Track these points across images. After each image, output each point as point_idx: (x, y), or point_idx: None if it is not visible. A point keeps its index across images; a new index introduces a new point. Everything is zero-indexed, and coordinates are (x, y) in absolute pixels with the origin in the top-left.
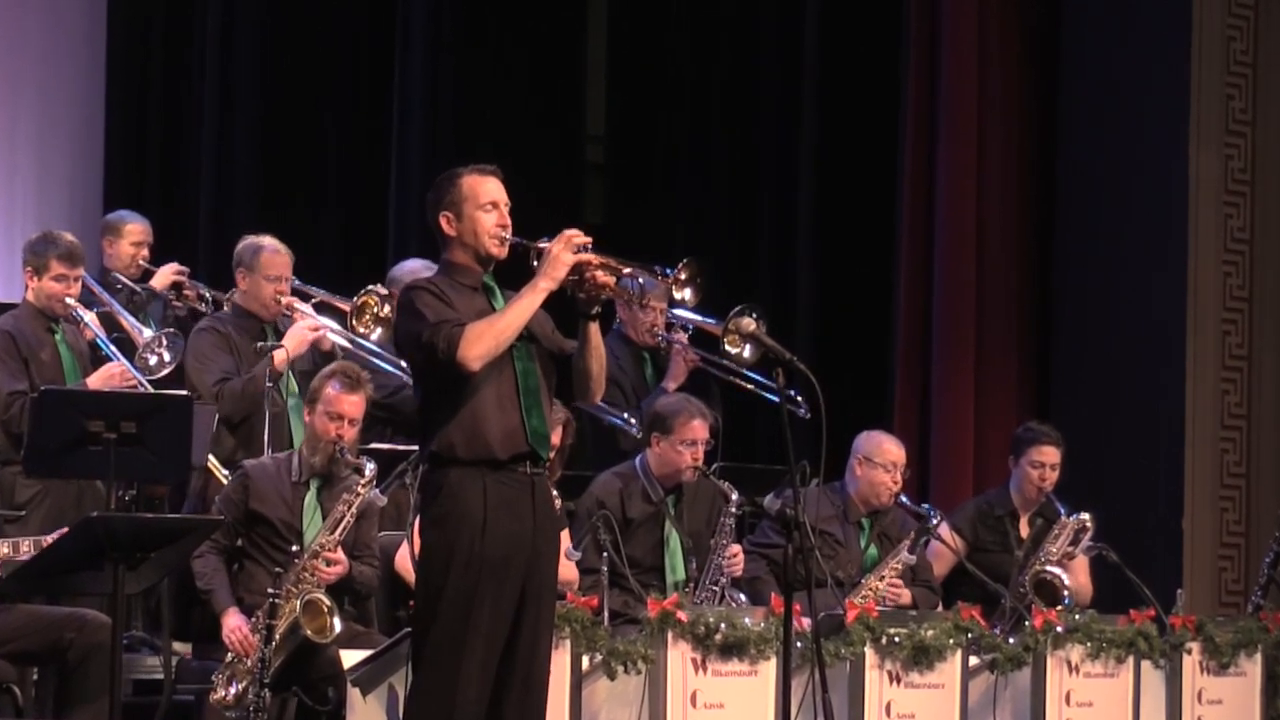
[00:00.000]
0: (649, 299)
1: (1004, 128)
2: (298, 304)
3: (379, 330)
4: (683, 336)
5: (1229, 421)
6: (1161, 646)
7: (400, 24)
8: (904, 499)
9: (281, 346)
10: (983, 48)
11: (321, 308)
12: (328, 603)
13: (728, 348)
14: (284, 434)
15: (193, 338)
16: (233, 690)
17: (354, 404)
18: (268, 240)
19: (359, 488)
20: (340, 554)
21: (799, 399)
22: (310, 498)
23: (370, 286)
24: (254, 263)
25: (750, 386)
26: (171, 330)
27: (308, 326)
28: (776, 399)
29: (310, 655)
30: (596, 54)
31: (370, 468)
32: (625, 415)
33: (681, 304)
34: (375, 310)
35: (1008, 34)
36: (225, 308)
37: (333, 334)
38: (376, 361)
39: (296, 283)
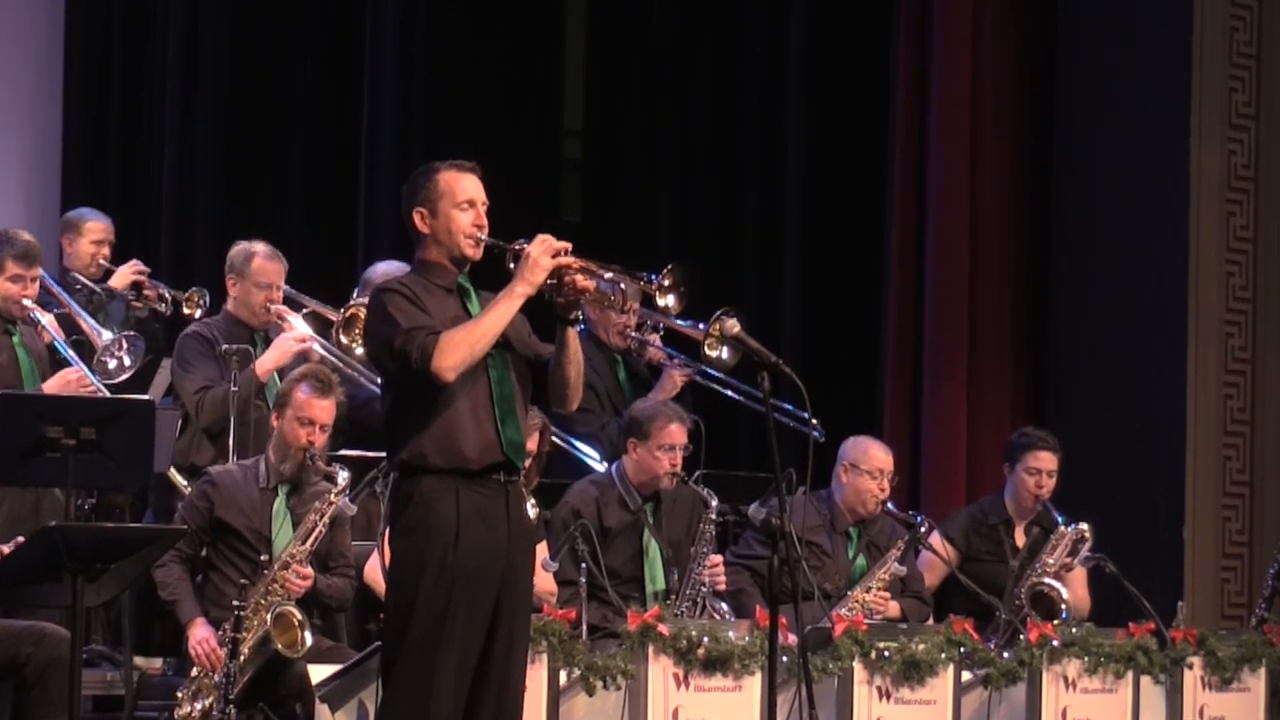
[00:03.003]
0: (629, 302)
1: (998, 123)
2: (287, 313)
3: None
4: (656, 338)
5: (1232, 427)
6: (1162, 661)
7: (371, 13)
8: (891, 507)
9: (246, 348)
10: (976, 41)
11: (313, 318)
12: (299, 616)
13: (707, 351)
14: (266, 442)
15: (179, 342)
16: (198, 706)
17: (325, 409)
18: (260, 246)
19: (331, 496)
20: (308, 568)
21: (815, 421)
22: (279, 504)
23: (360, 298)
24: (245, 269)
25: (743, 398)
26: (132, 333)
27: (294, 338)
28: (774, 410)
29: (277, 670)
30: (575, 45)
31: (343, 476)
32: (588, 447)
33: (665, 311)
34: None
35: (1002, 27)
36: (186, 309)
37: (319, 347)
38: (361, 379)
39: (290, 291)
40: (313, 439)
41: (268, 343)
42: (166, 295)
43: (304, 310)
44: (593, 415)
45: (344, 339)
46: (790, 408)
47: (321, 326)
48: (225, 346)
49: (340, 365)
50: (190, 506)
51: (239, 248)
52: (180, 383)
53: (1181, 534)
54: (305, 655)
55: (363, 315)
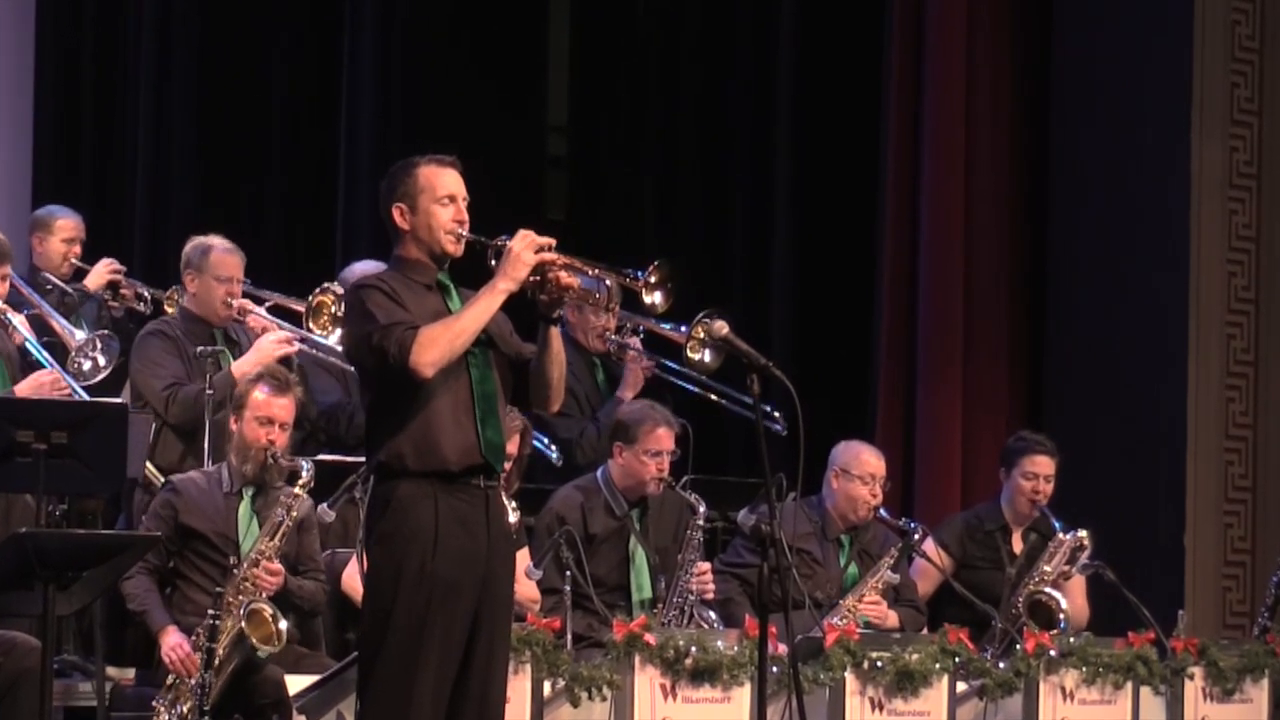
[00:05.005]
0: (613, 301)
1: (994, 121)
2: (251, 307)
3: (338, 331)
4: (636, 341)
5: (1234, 431)
6: (1162, 671)
7: (349, 8)
8: (884, 513)
9: (222, 350)
10: (971, 36)
11: (276, 311)
12: (271, 610)
13: (689, 354)
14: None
15: (139, 342)
16: (176, 713)
17: (284, 407)
18: (217, 240)
19: (296, 489)
20: (277, 564)
21: (775, 413)
22: (245, 507)
23: (326, 285)
24: (203, 264)
25: (713, 396)
26: (106, 333)
27: (275, 340)
28: (742, 409)
29: (254, 680)
30: (559, 39)
31: (307, 468)
32: (546, 439)
33: (651, 309)
34: (332, 310)
35: (997, 22)
36: (167, 307)
37: (300, 343)
38: (337, 363)
39: (248, 285)
40: (273, 438)
41: (228, 339)
42: (145, 295)
43: (266, 304)
44: (572, 420)
45: (312, 326)
46: (719, 386)
47: (285, 319)
48: (201, 349)
49: (323, 358)
50: (154, 515)
51: (195, 243)
52: (145, 381)
53: (1182, 541)
54: (282, 653)
55: (329, 303)
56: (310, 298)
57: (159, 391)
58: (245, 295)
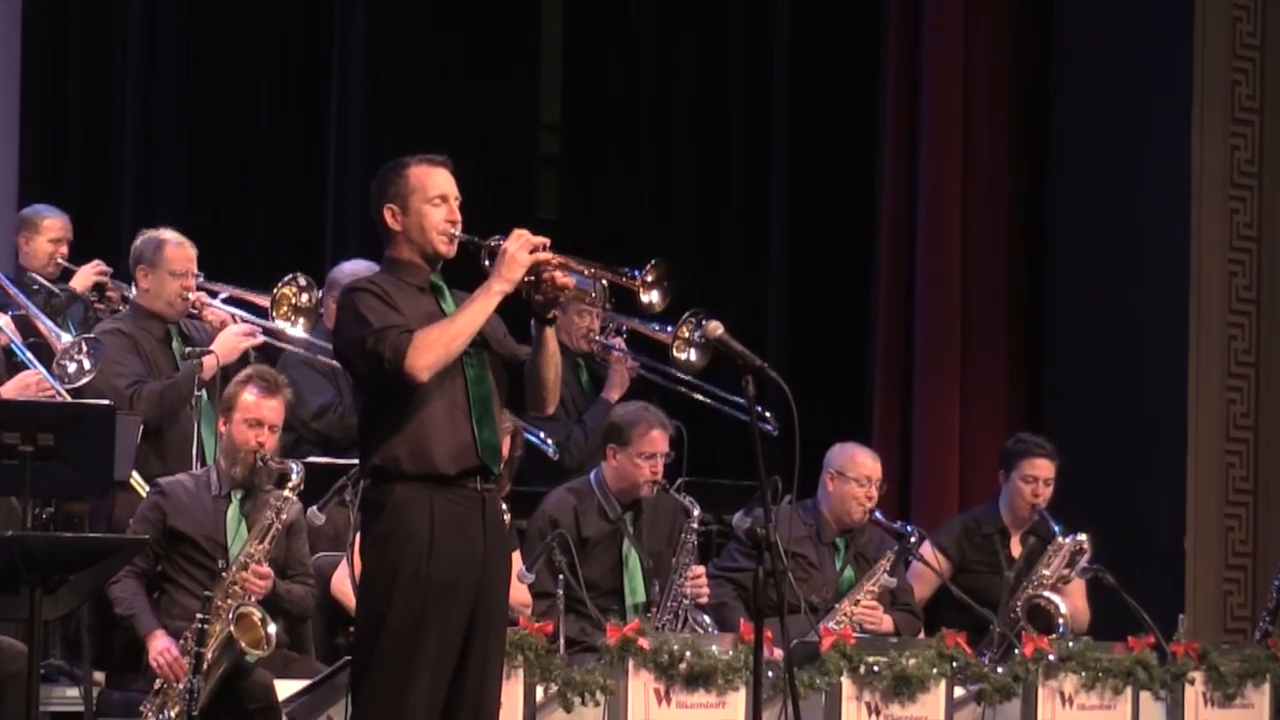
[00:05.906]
0: (605, 302)
1: (992, 117)
2: (207, 300)
3: (302, 321)
4: (620, 341)
5: (1234, 433)
6: (1162, 676)
7: (339, 6)
8: (880, 516)
9: (211, 352)
10: (969, 33)
11: (231, 303)
12: (260, 614)
13: (675, 354)
14: (197, 446)
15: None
16: (164, 718)
17: (273, 409)
18: (169, 233)
19: (287, 491)
20: (266, 567)
21: (766, 413)
22: (233, 511)
23: (290, 276)
24: (156, 258)
25: (699, 396)
26: (92, 336)
27: (239, 332)
28: (731, 409)
29: (243, 685)
30: (551, 35)
31: (296, 470)
32: (542, 434)
33: (648, 308)
34: (294, 301)
35: (997, 20)
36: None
37: (264, 335)
38: (301, 350)
39: (201, 278)
40: (262, 440)
41: (183, 334)
42: (130, 297)
43: (221, 295)
44: (558, 423)
45: (275, 317)
46: (707, 386)
47: (242, 309)
48: (190, 350)
49: (292, 349)
50: (142, 519)
51: (145, 237)
52: (106, 382)
53: (1182, 544)
54: (271, 658)
55: (290, 295)
56: (274, 290)
57: (122, 390)
58: (199, 288)
